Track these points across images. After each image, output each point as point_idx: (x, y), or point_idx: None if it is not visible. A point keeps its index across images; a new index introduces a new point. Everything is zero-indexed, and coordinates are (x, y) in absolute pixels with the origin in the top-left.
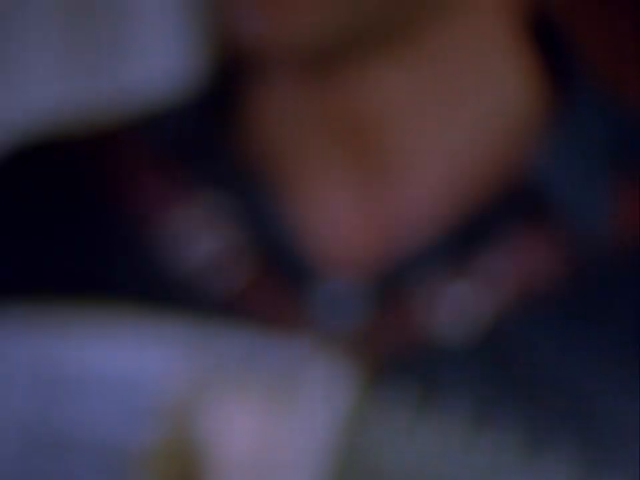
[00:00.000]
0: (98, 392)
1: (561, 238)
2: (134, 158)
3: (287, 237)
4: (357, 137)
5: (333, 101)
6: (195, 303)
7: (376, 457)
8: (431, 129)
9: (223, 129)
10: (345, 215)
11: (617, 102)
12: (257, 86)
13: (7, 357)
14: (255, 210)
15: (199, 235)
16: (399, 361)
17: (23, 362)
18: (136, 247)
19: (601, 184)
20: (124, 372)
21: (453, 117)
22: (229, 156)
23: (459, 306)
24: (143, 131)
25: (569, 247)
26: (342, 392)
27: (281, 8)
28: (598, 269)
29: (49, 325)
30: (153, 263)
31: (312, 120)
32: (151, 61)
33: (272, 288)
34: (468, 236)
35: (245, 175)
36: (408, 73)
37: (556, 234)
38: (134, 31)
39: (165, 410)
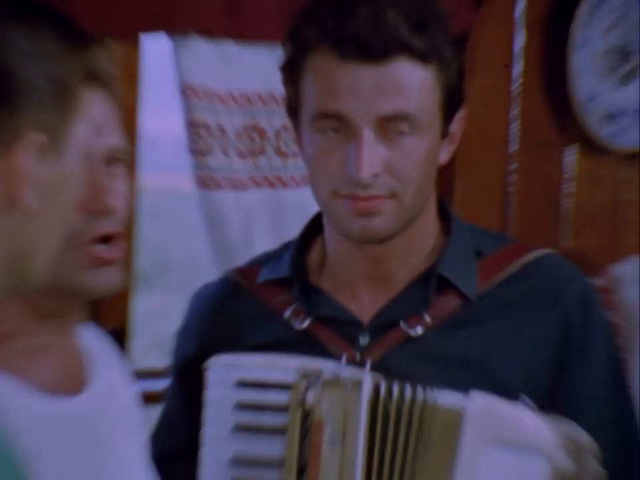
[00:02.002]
0: None
1: (456, 291)
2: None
3: (333, 306)
4: (374, 262)
5: (366, 252)
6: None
7: None
8: (405, 258)
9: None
10: (364, 298)
11: (467, 228)
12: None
13: None
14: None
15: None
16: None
17: None
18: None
19: (469, 265)
20: None
21: (413, 250)
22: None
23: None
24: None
25: (459, 293)
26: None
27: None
28: (479, 299)
29: None
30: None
31: (353, 259)
32: None
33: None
34: (418, 292)
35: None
36: (400, 239)
37: (455, 291)
38: None
39: None
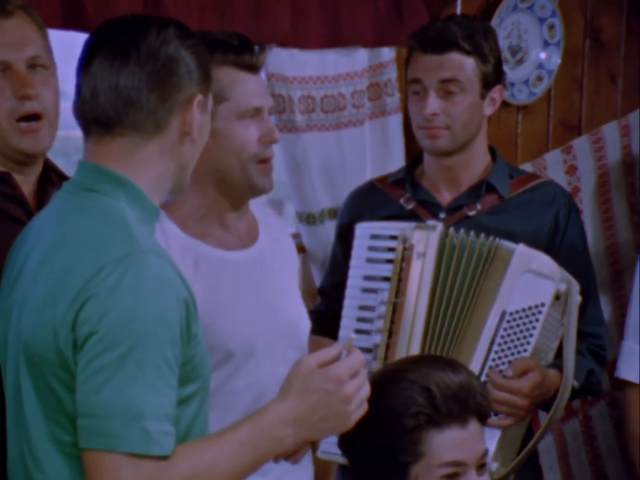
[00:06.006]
0: None
1: (496, 193)
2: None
3: (428, 194)
4: (447, 170)
5: (442, 163)
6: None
7: None
8: (465, 170)
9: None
10: (443, 192)
11: (505, 163)
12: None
13: None
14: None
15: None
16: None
17: None
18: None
19: (505, 180)
20: None
21: (470, 167)
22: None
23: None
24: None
25: (498, 194)
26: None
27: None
28: (509, 199)
29: None
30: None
31: (437, 170)
32: None
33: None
34: (474, 192)
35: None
36: (461, 157)
37: (496, 193)
38: None
39: None
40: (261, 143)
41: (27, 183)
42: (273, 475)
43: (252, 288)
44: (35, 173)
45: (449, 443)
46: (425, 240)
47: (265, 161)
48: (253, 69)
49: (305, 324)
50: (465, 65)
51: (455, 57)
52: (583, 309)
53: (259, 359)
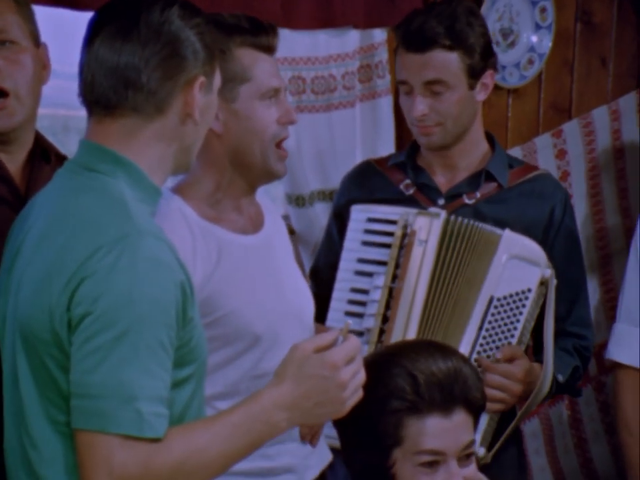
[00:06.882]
0: None
1: (496, 182)
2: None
3: (429, 179)
4: (445, 157)
5: (439, 154)
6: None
7: None
8: (463, 159)
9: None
10: (442, 180)
11: (504, 151)
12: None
13: None
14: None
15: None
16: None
17: None
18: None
19: (505, 170)
20: None
21: (468, 155)
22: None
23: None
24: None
25: (498, 184)
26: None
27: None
28: (508, 189)
29: None
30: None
31: (434, 157)
32: None
33: (424, 196)
34: (474, 180)
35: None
36: (458, 147)
37: (495, 182)
38: None
39: None
40: (280, 124)
41: (12, 161)
42: (302, 454)
43: (266, 272)
44: (21, 151)
45: (428, 431)
46: (428, 227)
47: (282, 142)
48: (270, 50)
49: (311, 304)
50: (449, 63)
51: (438, 54)
52: (570, 308)
53: (282, 341)
